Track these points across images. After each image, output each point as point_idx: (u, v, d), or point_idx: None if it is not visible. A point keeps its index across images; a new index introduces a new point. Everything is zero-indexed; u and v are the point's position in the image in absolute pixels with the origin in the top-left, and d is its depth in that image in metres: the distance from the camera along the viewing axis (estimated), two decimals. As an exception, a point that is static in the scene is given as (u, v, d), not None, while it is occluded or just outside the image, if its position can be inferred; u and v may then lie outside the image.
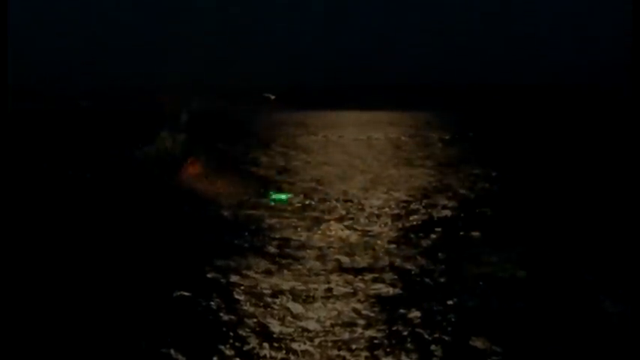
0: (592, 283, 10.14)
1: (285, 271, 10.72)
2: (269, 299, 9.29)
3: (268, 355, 7.51)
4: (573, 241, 12.94)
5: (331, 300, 9.27)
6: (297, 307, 8.94)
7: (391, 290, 9.75)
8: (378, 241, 12.91)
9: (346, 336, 8.00)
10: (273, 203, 16.66)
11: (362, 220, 15.20)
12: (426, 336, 8.01)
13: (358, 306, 9.02)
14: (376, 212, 16.16)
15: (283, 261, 11.37)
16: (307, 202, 17.64)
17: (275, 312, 8.78)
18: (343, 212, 16.16)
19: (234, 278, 10.32)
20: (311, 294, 9.53)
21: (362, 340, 7.88)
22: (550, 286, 9.97)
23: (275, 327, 8.27)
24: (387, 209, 16.58)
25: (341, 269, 10.86)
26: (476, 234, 13.58)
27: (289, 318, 8.57)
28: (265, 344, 7.76)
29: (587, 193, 19.45)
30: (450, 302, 9.13)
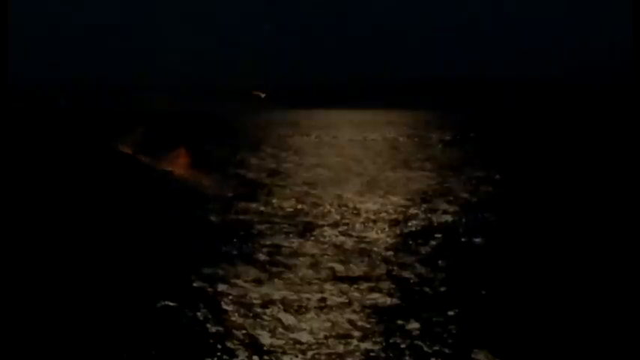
0: (598, 293, 10.18)
1: (276, 280, 10.74)
2: (259, 309, 9.31)
3: (258, 369, 7.53)
4: (580, 247, 12.99)
5: (325, 310, 9.30)
6: (288, 318, 8.96)
7: (388, 300, 9.77)
8: (375, 248, 12.94)
9: (341, 348, 8.02)
10: None
11: (357, 225, 15.23)
12: (426, 348, 8.03)
13: (353, 317, 9.04)
14: (372, 217, 16.19)
15: (274, 269, 11.39)
16: (299, 207, 17.66)
17: (265, 323, 8.80)
18: (337, 217, 16.19)
19: (222, 287, 10.33)
20: (303, 304, 9.55)
21: (357, 353, 7.90)
22: (555, 295, 10.02)
23: (265, 339, 8.28)
24: (383, 214, 16.62)
25: (335, 278, 10.88)
26: (478, 240, 13.63)
27: (280, 329, 8.59)
28: (255, 357, 7.78)
29: (595, 197, 19.52)
30: (450, 313, 9.16)
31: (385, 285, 10.46)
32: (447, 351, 7.98)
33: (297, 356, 7.81)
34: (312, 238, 13.89)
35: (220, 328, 8.62)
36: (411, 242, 13.46)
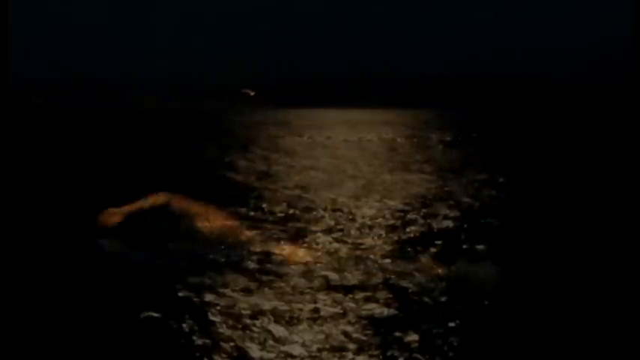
0: (606, 303, 10.20)
1: (266, 289, 10.73)
2: (248, 320, 9.30)
3: (247, 384, 7.52)
4: (588, 253, 13.01)
5: (318, 322, 9.29)
6: (279, 330, 8.95)
7: (385, 310, 9.77)
8: (371, 256, 12.93)
9: (335, 362, 8.01)
10: None
11: (353, 231, 15.23)
12: (425, 362, 8.03)
13: (348, 328, 9.03)
14: (369, 223, 16.19)
15: (264, 278, 11.37)
16: (291, 212, 17.65)
17: (255, 335, 8.79)
18: (331, 223, 16.18)
19: (209, 297, 10.32)
20: (295, 315, 9.54)
21: (353, 367, 7.90)
22: (562, 305, 10.03)
23: (255, 352, 8.27)
24: (380, 219, 16.62)
25: (329, 287, 10.87)
26: (481, 247, 13.64)
27: (271, 341, 8.58)
28: (244, 371, 7.77)
29: (602, 199, 19.55)
30: (451, 324, 9.16)
31: (382, 294, 10.46)
32: (447, 364, 7.98)
33: (288, 370, 7.81)
34: (305, 244, 13.88)
35: (207, 341, 8.60)
36: (409, 249, 13.46)
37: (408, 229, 15.44)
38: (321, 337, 8.73)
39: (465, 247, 13.77)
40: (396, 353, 8.24)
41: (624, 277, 11.42)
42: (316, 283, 11.11)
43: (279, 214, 17.32)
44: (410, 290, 10.74)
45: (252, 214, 17.40)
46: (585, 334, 8.93)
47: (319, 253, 13.15)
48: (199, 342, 8.57)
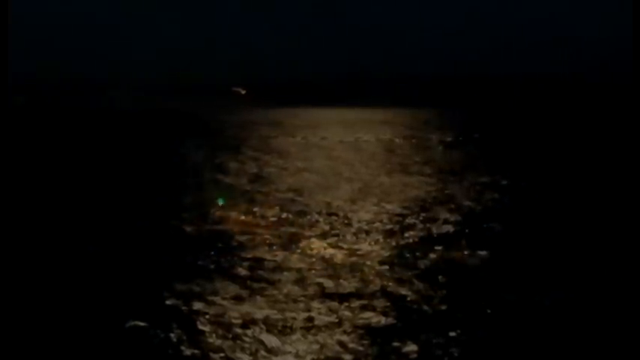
0: (613, 312, 10.19)
1: (258, 297, 10.71)
2: (239, 330, 9.27)
3: (238, 397, 7.50)
4: (595, 260, 13.02)
5: (312, 331, 9.27)
6: (271, 340, 8.92)
7: (383, 319, 9.75)
8: (368, 262, 12.92)
9: (330, 373, 7.99)
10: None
11: (348, 236, 15.22)
12: (424, 373, 8.02)
13: (344, 338, 9.01)
14: (365, 228, 16.19)
15: (256, 285, 11.36)
16: (284, 216, 17.64)
17: (246, 345, 8.76)
18: (326, 227, 16.17)
19: (197, 305, 10.29)
20: (288, 324, 9.52)
21: (348, 379, 7.88)
22: (568, 314, 10.03)
23: (246, 363, 8.25)
24: (378, 224, 16.62)
25: (324, 295, 10.86)
26: (483, 253, 13.63)
27: (263, 352, 8.55)
28: (234, 384, 7.75)
29: (609, 202, 19.58)
30: (452, 334, 9.15)
31: (379, 303, 10.44)
32: (447, 376, 7.97)
33: (281, 382, 7.78)
34: (298, 250, 13.87)
35: (196, 351, 8.58)
36: (408, 255, 13.45)
37: (406, 234, 15.43)
38: (316, 347, 8.71)
39: (466, 252, 13.77)
40: (394, 364, 8.23)
41: (628, 279, 11.42)
42: (310, 290, 11.09)
43: (272, 219, 17.31)
44: (408, 298, 10.72)
45: (243, 218, 17.39)
46: (587, 341, 8.92)
47: (313, 259, 13.13)
48: (188, 352, 8.54)
